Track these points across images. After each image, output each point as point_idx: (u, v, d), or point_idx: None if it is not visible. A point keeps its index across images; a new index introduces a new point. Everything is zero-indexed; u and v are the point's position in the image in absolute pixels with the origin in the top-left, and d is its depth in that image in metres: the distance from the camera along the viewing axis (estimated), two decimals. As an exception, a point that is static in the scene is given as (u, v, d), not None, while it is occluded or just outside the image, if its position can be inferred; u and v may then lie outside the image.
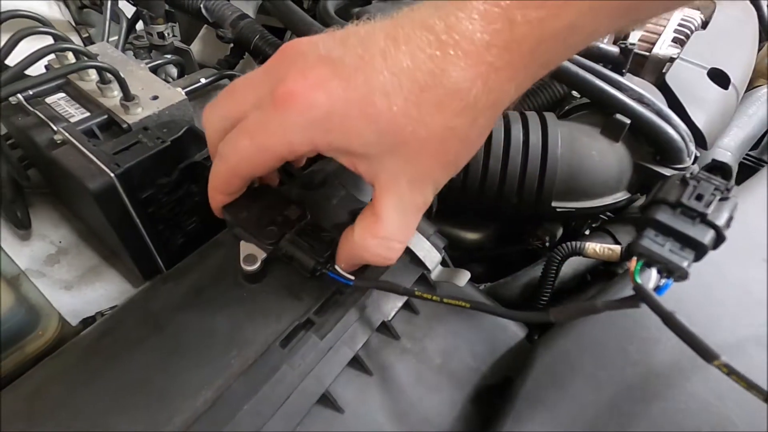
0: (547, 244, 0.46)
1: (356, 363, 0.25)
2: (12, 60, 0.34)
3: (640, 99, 0.38)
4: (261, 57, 0.51)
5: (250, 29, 0.50)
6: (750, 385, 0.15)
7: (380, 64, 0.20)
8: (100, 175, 0.29)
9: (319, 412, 0.23)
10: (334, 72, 0.20)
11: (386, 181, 0.22)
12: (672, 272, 0.17)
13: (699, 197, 0.18)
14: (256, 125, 0.22)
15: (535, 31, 0.18)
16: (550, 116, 0.39)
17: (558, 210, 0.38)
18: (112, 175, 0.29)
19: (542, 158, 0.37)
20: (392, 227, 0.22)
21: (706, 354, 0.15)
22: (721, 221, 0.18)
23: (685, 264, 0.17)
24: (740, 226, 0.36)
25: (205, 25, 0.70)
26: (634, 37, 0.65)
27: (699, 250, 0.17)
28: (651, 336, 0.27)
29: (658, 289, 0.17)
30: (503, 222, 0.46)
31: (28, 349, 0.28)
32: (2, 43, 0.32)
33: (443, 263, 0.31)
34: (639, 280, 0.17)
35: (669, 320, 0.16)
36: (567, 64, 0.40)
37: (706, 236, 0.18)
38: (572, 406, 0.24)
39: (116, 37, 0.48)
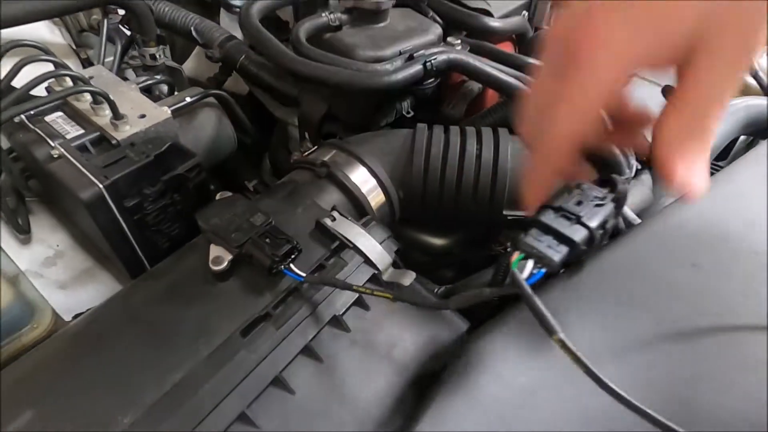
0: (509, 249, 0.50)
1: (308, 351, 0.28)
2: (16, 82, 0.38)
3: (584, 116, 0.42)
4: (246, 74, 0.55)
5: (237, 50, 0.55)
6: (577, 360, 0.18)
7: None
8: (90, 186, 0.33)
9: (273, 393, 0.27)
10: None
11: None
12: (546, 264, 0.21)
13: (579, 203, 0.22)
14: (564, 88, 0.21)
15: None
16: (503, 132, 0.43)
17: (509, 217, 0.42)
18: (100, 186, 0.33)
19: (493, 170, 0.40)
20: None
21: (549, 330, 0.19)
22: (593, 223, 0.21)
23: (556, 257, 0.20)
24: (681, 231, 0.40)
25: (198, 44, 0.74)
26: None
27: (572, 247, 0.21)
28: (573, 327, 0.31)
29: (531, 276, 0.21)
30: (468, 229, 0.50)
31: (24, 339, 0.32)
32: (8, 69, 0.36)
33: (395, 265, 0.34)
34: (516, 270, 0.20)
35: (528, 300, 0.19)
36: (521, 84, 0.44)
37: (578, 234, 0.21)
38: (494, 389, 0.28)
39: (112, 58, 0.53)
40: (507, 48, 0.60)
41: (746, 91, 0.85)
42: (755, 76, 0.83)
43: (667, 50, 0.20)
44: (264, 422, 0.25)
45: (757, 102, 0.67)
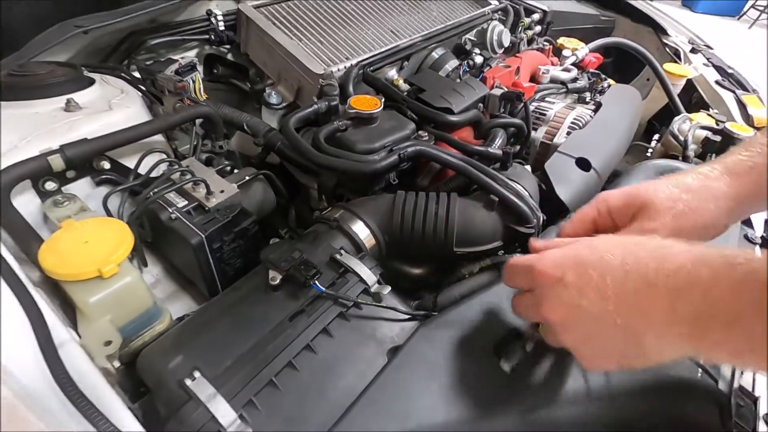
0: (467, 275, 0.70)
1: (325, 331, 0.49)
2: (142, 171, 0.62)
3: (506, 185, 0.64)
4: (281, 154, 0.79)
5: (275, 138, 0.79)
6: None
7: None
8: (196, 236, 0.56)
9: (306, 353, 0.47)
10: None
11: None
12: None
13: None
14: None
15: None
16: (453, 196, 0.64)
17: (458, 253, 0.63)
18: (202, 235, 0.56)
19: (446, 222, 0.62)
20: None
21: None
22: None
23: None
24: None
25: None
26: (540, 132, 0.91)
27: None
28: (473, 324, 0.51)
29: None
30: (437, 261, 0.71)
31: (157, 329, 0.53)
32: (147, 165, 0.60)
33: (379, 282, 0.55)
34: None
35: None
36: (465, 165, 0.66)
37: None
38: (430, 362, 0.48)
39: (191, 146, 0.77)
40: (467, 132, 0.83)
41: (668, 145, 1.06)
42: (675, 137, 1.05)
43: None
44: (301, 369, 0.46)
45: (662, 162, 0.88)
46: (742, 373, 0.57)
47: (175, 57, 0.91)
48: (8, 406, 0.31)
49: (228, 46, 1.05)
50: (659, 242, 0.37)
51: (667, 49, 1.45)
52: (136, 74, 0.89)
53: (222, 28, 1.02)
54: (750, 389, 0.57)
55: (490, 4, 1.26)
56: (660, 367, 0.47)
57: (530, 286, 0.42)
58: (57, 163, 0.54)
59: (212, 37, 1.02)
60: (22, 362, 0.36)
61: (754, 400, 0.56)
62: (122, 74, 0.78)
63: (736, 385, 0.54)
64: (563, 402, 0.47)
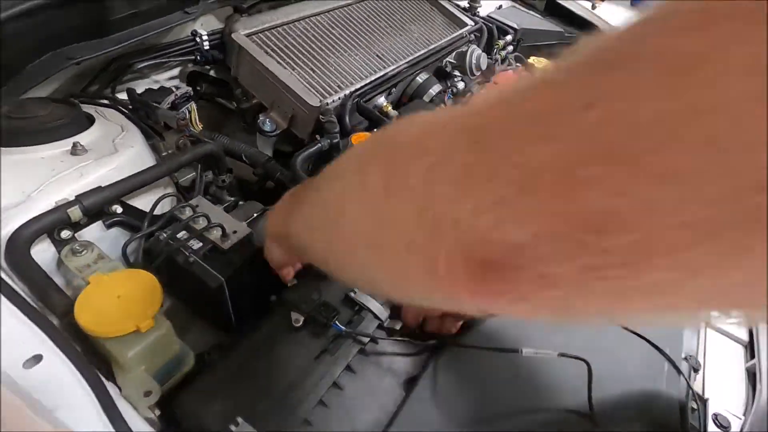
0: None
1: (348, 367, 0.54)
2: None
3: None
4: (280, 183, 0.82)
5: (273, 168, 0.82)
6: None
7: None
8: (217, 279, 0.59)
9: (333, 390, 0.52)
10: None
11: None
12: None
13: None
14: None
15: None
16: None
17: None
18: (223, 279, 0.59)
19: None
20: None
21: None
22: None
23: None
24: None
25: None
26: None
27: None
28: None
29: None
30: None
31: (184, 370, 0.56)
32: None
33: (390, 317, 0.61)
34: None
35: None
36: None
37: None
38: (446, 393, 0.54)
39: (194, 180, 0.78)
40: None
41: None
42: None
43: None
44: (331, 406, 0.51)
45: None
46: (695, 378, 0.67)
47: (167, 85, 0.91)
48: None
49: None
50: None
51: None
52: (120, 95, 0.88)
53: (207, 47, 1.03)
54: (701, 392, 0.68)
55: (467, 24, 1.32)
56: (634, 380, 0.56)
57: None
58: (75, 214, 0.55)
59: (197, 57, 1.02)
60: (89, 423, 0.39)
61: (704, 402, 0.66)
62: (119, 107, 0.78)
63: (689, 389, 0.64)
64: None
